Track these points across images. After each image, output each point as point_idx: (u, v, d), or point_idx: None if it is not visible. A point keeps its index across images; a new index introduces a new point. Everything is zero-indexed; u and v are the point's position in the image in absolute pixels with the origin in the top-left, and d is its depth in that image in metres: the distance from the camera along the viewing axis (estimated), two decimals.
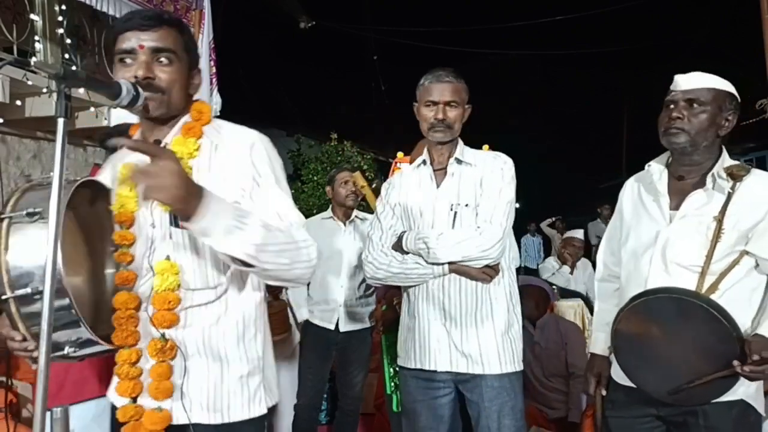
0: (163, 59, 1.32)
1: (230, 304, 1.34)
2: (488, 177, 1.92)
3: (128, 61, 1.31)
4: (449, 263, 1.87)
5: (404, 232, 2.00)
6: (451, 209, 1.93)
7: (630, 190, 1.92)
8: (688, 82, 1.71)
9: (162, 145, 1.37)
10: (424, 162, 2.05)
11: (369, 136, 11.88)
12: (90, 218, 1.38)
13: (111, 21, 5.72)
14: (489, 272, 1.88)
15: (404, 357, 2.04)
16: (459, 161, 1.99)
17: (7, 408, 2.51)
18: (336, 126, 9.30)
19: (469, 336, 1.90)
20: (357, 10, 11.18)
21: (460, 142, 2.03)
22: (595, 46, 12.11)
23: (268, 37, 11.28)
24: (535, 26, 11.28)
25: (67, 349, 1.18)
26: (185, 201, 1.08)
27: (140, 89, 1.27)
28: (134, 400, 1.31)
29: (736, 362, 1.50)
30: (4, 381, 2.77)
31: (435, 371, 1.93)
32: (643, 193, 1.85)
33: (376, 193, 2.77)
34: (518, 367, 1.95)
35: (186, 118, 1.39)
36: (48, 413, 1.32)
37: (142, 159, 1.26)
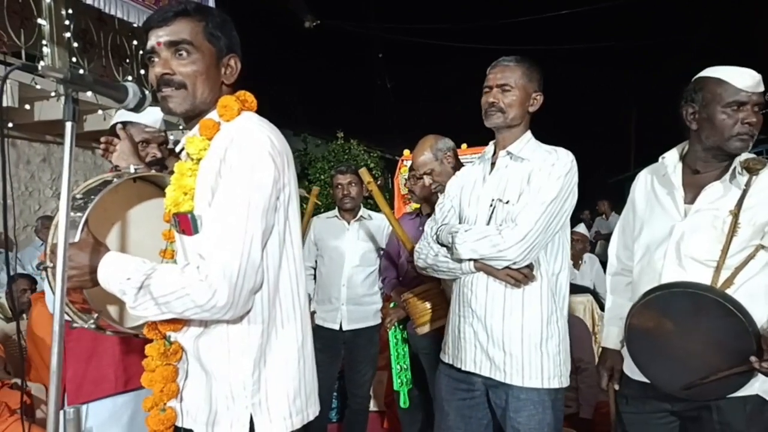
0: (181, 52, 1.26)
1: (214, 321, 1.24)
2: (535, 173, 1.78)
3: (153, 60, 1.28)
4: (473, 261, 1.79)
5: (444, 224, 1.94)
6: (491, 204, 1.83)
7: (643, 182, 1.88)
8: (758, 81, 1.63)
9: (180, 145, 1.36)
10: (485, 154, 1.97)
11: (375, 134, 11.88)
12: (143, 212, 1.45)
13: (117, 24, 5.77)
14: (515, 275, 1.74)
15: (443, 350, 1.98)
16: (510, 154, 1.86)
17: (23, 409, 2.55)
18: (342, 125, 9.33)
19: (495, 340, 1.78)
20: (361, 8, 11.17)
21: (525, 136, 1.88)
22: (602, 42, 12.03)
23: (273, 36, 11.31)
24: (541, 21, 11.22)
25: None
26: (90, 281, 1.22)
27: (146, 92, 1.28)
28: None
29: (753, 358, 1.47)
30: (19, 383, 2.81)
31: (461, 370, 1.86)
32: (656, 185, 1.81)
33: (384, 190, 2.77)
34: (549, 384, 1.76)
35: (212, 114, 1.31)
36: (61, 413, 1.34)
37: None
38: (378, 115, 12.78)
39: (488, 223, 1.82)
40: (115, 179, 1.42)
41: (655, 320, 1.65)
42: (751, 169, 1.62)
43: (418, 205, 3.04)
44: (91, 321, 1.35)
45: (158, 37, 1.27)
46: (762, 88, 1.64)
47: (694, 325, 1.59)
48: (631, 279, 1.90)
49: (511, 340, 1.76)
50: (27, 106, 4.95)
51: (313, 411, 1.36)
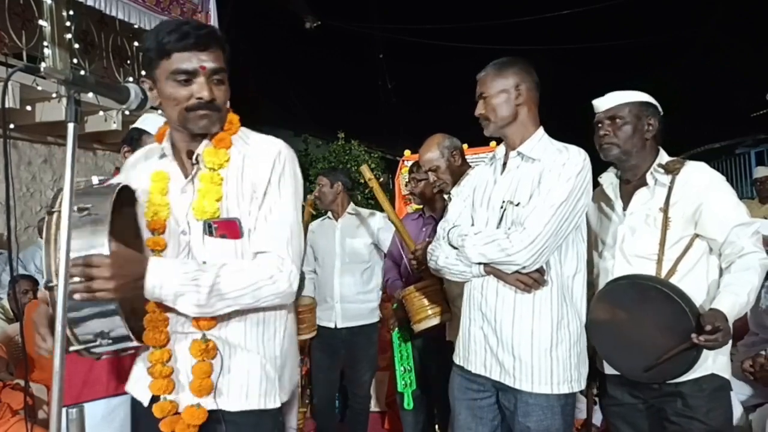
0: (220, 79, 1.36)
1: (250, 309, 1.39)
2: (545, 174, 1.75)
3: (191, 81, 1.33)
4: (483, 264, 1.77)
5: (456, 225, 1.92)
6: (502, 206, 1.81)
7: (592, 204, 2.06)
8: (605, 102, 1.94)
9: (195, 156, 1.41)
10: (496, 154, 1.96)
11: (376, 134, 11.89)
12: (124, 222, 1.43)
13: (118, 25, 5.78)
14: (524, 279, 1.71)
15: (455, 351, 1.97)
16: (521, 155, 1.84)
17: (26, 410, 2.55)
18: (343, 125, 9.32)
19: (505, 344, 1.76)
20: (362, 8, 11.18)
21: (536, 134, 1.85)
22: (604, 41, 12.01)
23: (274, 37, 11.31)
24: (542, 21, 11.21)
25: (99, 341, 1.26)
26: (132, 288, 1.23)
27: (147, 93, 1.30)
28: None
29: (693, 334, 1.59)
30: (22, 384, 2.82)
31: (471, 372, 1.86)
32: (601, 203, 2.03)
33: (385, 190, 2.76)
34: (558, 390, 1.73)
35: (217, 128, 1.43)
36: (63, 413, 1.34)
37: (171, 168, 1.43)
38: (379, 116, 12.77)
39: (499, 226, 1.80)
40: (103, 188, 1.36)
41: (609, 312, 1.79)
42: (672, 170, 1.84)
43: (420, 207, 3.04)
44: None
45: (201, 61, 1.32)
46: (606, 106, 1.92)
47: (642, 312, 1.73)
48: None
49: (521, 345, 1.74)
50: (28, 108, 4.96)
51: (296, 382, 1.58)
